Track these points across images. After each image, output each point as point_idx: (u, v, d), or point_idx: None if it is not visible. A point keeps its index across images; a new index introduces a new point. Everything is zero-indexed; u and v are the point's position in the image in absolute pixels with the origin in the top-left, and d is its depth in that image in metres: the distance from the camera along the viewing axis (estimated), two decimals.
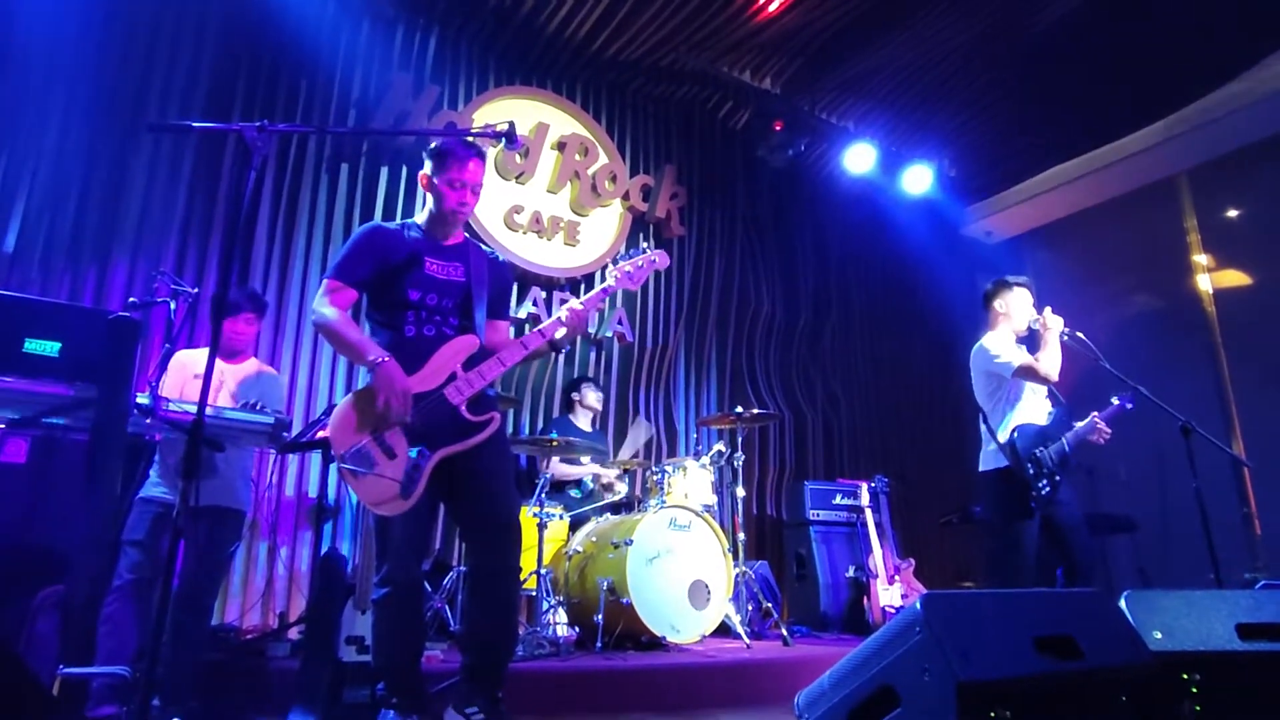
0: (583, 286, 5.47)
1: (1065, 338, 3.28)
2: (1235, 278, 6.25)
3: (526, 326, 5.08)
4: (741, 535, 4.25)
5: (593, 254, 5.57)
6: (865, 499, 5.09)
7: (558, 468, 4.52)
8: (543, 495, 3.88)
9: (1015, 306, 3.43)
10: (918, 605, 1.52)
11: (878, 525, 4.91)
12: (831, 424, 6.50)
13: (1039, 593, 1.88)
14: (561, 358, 5.27)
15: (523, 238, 5.31)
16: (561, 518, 4.18)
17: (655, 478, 4.28)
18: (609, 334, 5.51)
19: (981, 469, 3.36)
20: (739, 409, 4.36)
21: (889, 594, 4.66)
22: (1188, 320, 6.31)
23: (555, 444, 3.94)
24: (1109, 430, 3.30)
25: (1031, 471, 3.12)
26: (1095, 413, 3.32)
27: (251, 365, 3.10)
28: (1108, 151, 6.42)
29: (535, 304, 5.21)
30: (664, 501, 4.02)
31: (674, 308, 5.88)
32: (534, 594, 3.77)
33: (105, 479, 2.07)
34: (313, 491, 4.30)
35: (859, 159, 6.17)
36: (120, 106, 4.14)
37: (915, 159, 6.52)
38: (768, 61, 5.89)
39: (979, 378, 3.44)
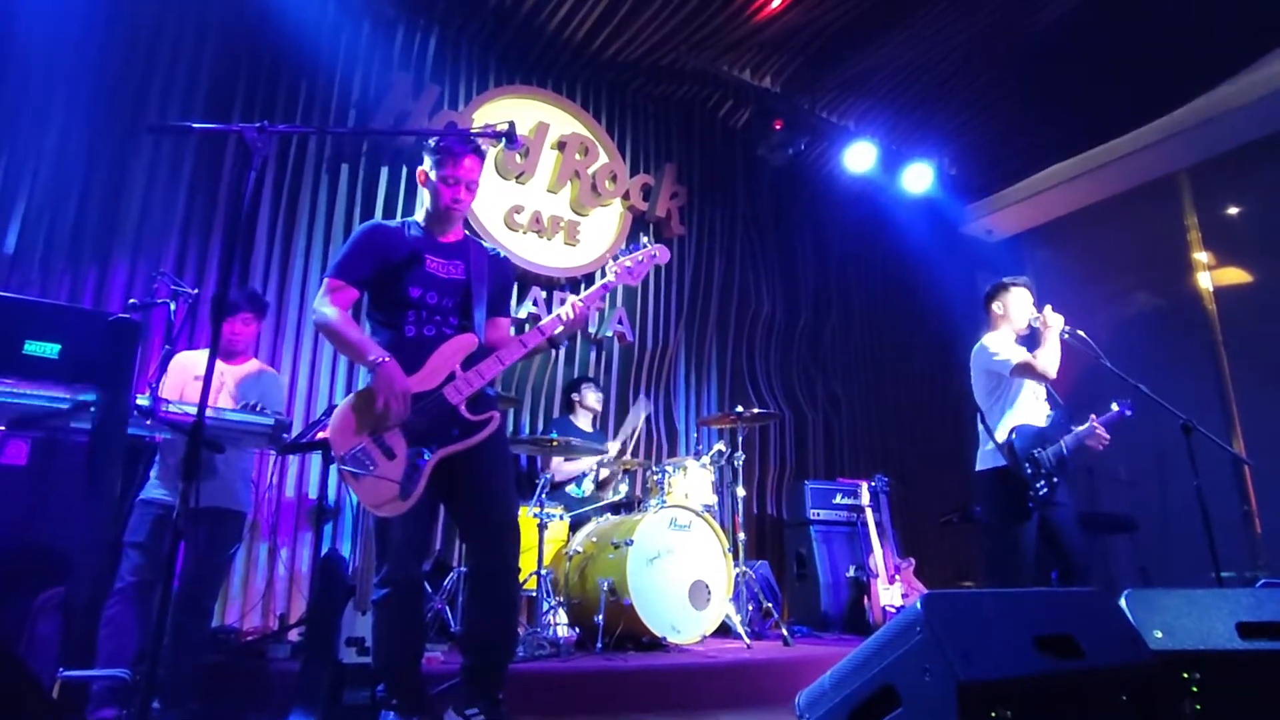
0: (583, 286, 5.46)
1: (1066, 336, 3.27)
2: (1235, 275, 6.25)
3: (526, 326, 5.07)
4: (742, 535, 4.25)
5: (593, 253, 5.57)
6: (865, 498, 5.08)
7: (560, 468, 4.52)
8: (543, 495, 3.87)
9: (1015, 307, 3.42)
10: (918, 605, 1.52)
11: (878, 525, 4.91)
12: (832, 423, 6.50)
13: (1039, 592, 1.89)
14: (562, 357, 5.27)
15: (523, 237, 5.31)
16: (561, 518, 4.18)
17: (655, 478, 4.27)
18: (609, 334, 5.51)
19: (978, 468, 3.35)
20: (739, 408, 4.37)
21: (889, 594, 4.66)
22: (1188, 318, 6.31)
23: (555, 444, 3.94)
24: (1108, 436, 3.28)
25: (1029, 471, 3.11)
26: (1094, 416, 3.30)
27: (252, 366, 3.10)
28: (1108, 150, 6.41)
29: (535, 304, 5.21)
30: (664, 501, 4.02)
31: (674, 307, 5.88)
32: (534, 594, 3.77)
33: (106, 481, 2.07)
34: (313, 493, 4.31)
35: (859, 158, 6.16)
36: (120, 107, 4.14)
37: (915, 158, 6.51)
38: (768, 60, 5.88)
39: (978, 376, 3.43)
